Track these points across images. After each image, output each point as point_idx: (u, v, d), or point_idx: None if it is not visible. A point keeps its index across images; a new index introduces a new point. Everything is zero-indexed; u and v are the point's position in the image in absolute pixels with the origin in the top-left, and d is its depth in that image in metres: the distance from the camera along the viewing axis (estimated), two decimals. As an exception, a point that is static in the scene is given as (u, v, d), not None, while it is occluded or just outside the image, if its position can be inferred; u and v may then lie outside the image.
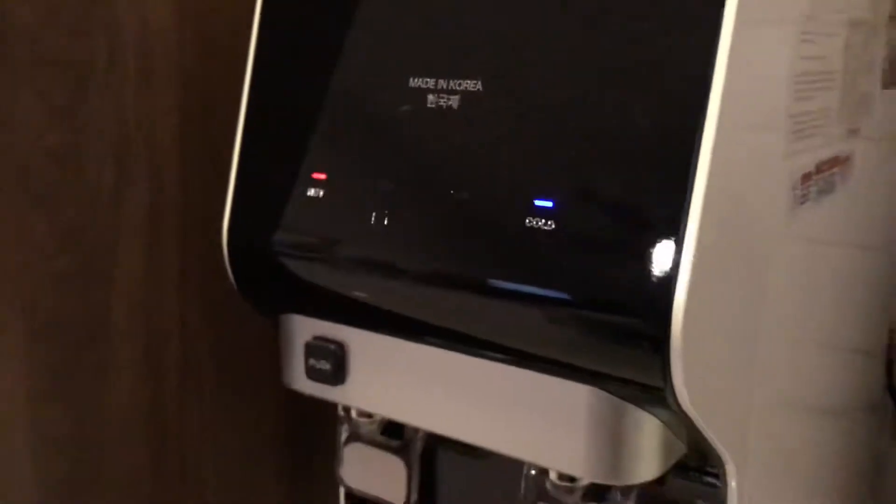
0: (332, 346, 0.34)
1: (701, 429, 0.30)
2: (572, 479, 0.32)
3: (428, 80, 0.31)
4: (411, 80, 0.31)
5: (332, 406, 0.42)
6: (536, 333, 0.29)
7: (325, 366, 0.34)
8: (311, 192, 0.33)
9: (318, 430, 0.49)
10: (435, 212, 0.30)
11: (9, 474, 0.37)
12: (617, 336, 0.27)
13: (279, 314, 0.37)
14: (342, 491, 0.43)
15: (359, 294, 0.33)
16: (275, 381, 0.40)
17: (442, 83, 0.31)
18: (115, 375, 0.40)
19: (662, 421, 0.30)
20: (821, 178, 0.36)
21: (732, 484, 0.33)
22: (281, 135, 0.35)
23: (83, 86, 0.37)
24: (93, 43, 0.37)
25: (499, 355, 0.31)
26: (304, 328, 0.36)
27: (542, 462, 0.31)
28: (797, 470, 0.42)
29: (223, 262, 0.37)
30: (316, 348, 0.35)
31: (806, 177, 0.35)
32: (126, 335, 0.40)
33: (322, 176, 0.33)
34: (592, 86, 0.28)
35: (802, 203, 0.35)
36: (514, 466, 0.35)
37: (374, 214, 0.32)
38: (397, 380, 0.34)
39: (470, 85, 0.30)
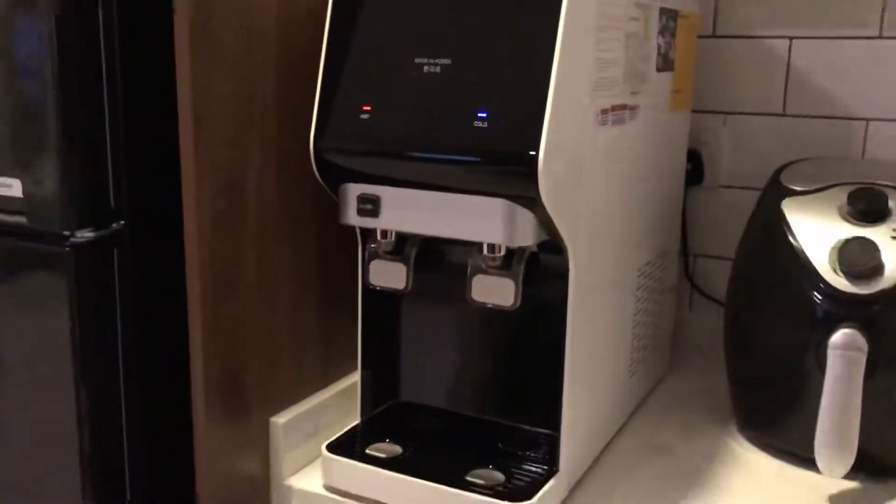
0: (374, 196, 0.68)
1: (556, 221, 0.64)
2: (493, 251, 0.67)
3: (424, 58, 0.65)
4: (416, 58, 0.65)
5: (354, 255, 0.76)
6: (476, 179, 0.64)
7: (369, 206, 0.68)
8: (363, 116, 0.66)
9: (343, 269, 0.82)
10: (423, 129, 0.64)
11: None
12: (516, 177, 0.62)
13: (340, 184, 0.70)
14: (360, 289, 0.76)
15: (385, 169, 0.66)
16: (324, 238, 0.73)
17: (431, 59, 0.64)
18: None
19: (537, 216, 0.64)
20: (613, 114, 0.72)
21: (570, 257, 0.68)
22: (344, 83, 0.68)
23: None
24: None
25: (454, 190, 0.65)
26: (354, 189, 0.69)
27: (479, 239, 0.65)
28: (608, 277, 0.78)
29: (306, 155, 0.70)
30: (364, 198, 0.68)
31: (604, 111, 0.70)
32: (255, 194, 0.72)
33: (368, 108, 0.66)
34: (499, 57, 0.62)
35: (603, 125, 0.70)
36: (462, 257, 0.70)
37: (397, 129, 0.65)
38: (404, 211, 0.67)
39: (444, 61, 0.64)
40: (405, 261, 0.72)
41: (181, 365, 0.71)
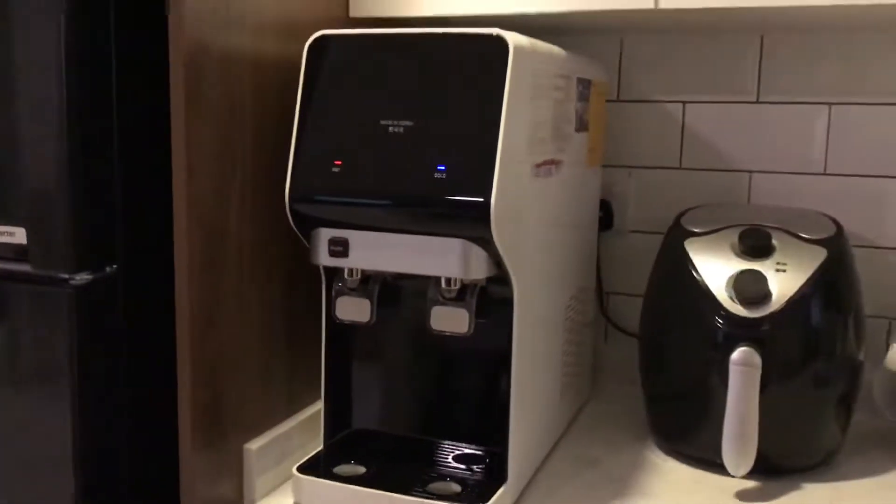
0: (343, 238, 0.77)
1: (504, 258, 0.75)
2: (450, 284, 0.77)
3: (389, 119, 0.75)
4: (381, 120, 0.76)
5: (318, 290, 0.85)
6: (436, 223, 0.74)
7: (340, 248, 0.77)
8: (335, 169, 0.76)
9: (309, 298, 0.91)
10: (389, 180, 0.74)
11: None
12: (472, 221, 0.73)
13: (312, 229, 0.79)
14: (324, 323, 0.85)
15: (354, 216, 0.76)
16: (290, 277, 0.83)
17: (395, 121, 0.75)
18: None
19: (488, 253, 0.75)
20: (544, 166, 0.84)
21: (514, 288, 0.79)
22: (317, 141, 0.78)
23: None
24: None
25: (416, 232, 0.75)
26: (325, 234, 0.78)
27: (439, 273, 0.76)
28: (540, 313, 0.89)
29: (279, 204, 0.79)
30: (335, 240, 0.77)
31: (537, 164, 0.82)
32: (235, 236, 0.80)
33: (339, 162, 0.76)
34: (454, 120, 0.74)
35: (536, 177, 0.83)
36: (418, 292, 0.80)
37: (364, 181, 0.75)
38: (371, 251, 0.77)
39: (407, 122, 0.75)
40: (369, 296, 0.82)
41: (168, 397, 0.78)
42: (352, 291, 0.82)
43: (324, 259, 0.79)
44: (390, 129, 0.76)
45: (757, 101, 1.15)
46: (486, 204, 0.72)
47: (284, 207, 0.79)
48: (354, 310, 0.82)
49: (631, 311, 1.23)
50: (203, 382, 0.77)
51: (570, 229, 0.98)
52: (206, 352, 0.77)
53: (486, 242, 0.74)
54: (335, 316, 0.83)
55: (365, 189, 0.76)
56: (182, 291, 0.74)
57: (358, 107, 0.77)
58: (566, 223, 0.96)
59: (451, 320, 0.79)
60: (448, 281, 0.78)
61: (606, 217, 1.21)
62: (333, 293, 0.83)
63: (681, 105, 1.18)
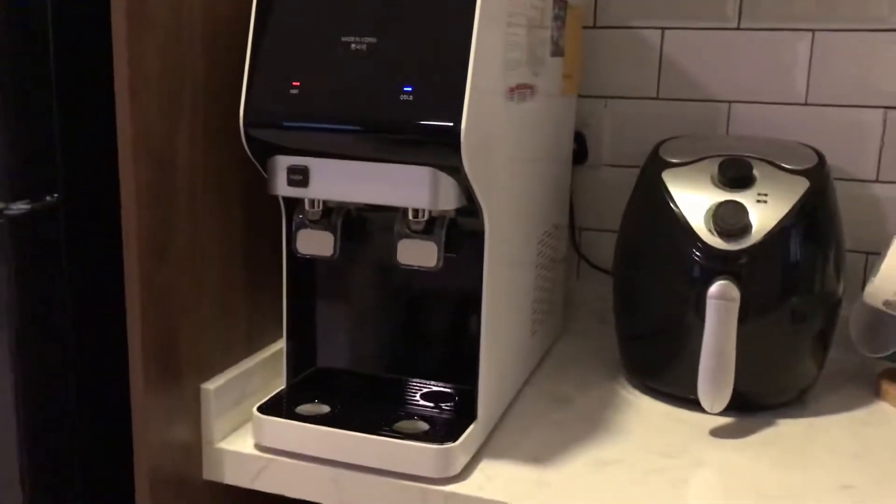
0: (303, 167, 0.72)
1: (474, 188, 0.71)
2: (417, 216, 0.72)
3: (351, 36, 0.70)
4: (343, 37, 0.70)
5: (277, 226, 0.80)
6: (402, 150, 0.69)
7: (299, 177, 0.72)
8: (293, 91, 0.71)
9: (272, 230, 0.86)
10: (351, 103, 0.69)
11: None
12: (441, 147, 0.68)
13: (268, 157, 0.74)
14: (285, 258, 0.81)
15: (314, 142, 0.71)
16: (250, 207, 0.78)
17: (357, 38, 0.70)
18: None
19: (458, 183, 0.71)
20: (518, 91, 0.79)
21: (485, 221, 0.75)
22: (273, 60, 0.72)
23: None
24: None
25: (381, 160, 0.71)
26: (283, 161, 0.73)
27: (406, 204, 0.71)
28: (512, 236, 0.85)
29: (233, 129, 0.73)
30: (293, 168, 0.72)
31: (511, 89, 0.77)
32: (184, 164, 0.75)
33: (297, 84, 0.71)
34: (422, 37, 0.68)
35: (510, 101, 0.78)
36: (383, 225, 0.75)
37: (326, 102, 0.70)
38: (333, 180, 0.72)
39: (370, 39, 0.69)
40: (332, 229, 0.77)
41: (118, 335, 0.73)
42: (313, 224, 0.77)
43: (282, 189, 0.74)
44: (352, 46, 0.70)
45: (738, 28, 1.10)
46: (457, 129, 0.67)
47: (239, 132, 0.73)
48: (316, 243, 0.78)
49: (604, 247, 1.19)
50: (154, 321, 0.72)
51: (544, 162, 0.94)
52: (157, 288, 0.72)
53: (456, 171, 0.70)
54: (296, 250, 0.78)
55: (325, 112, 0.70)
56: (129, 222, 0.69)
57: (317, 22, 0.71)
58: (540, 155, 0.92)
59: (418, 254, 0.75)
60: (416, 212, 0.73)
61: (580, 150, 1.17)
62: (294, 226, 0.78)
63: (659, 32, 1.13)
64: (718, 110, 1.12)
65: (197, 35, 0.75)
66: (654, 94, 1.15)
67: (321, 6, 0.71)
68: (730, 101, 1.12)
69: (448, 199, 0.71)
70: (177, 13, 0.71)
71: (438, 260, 0.74)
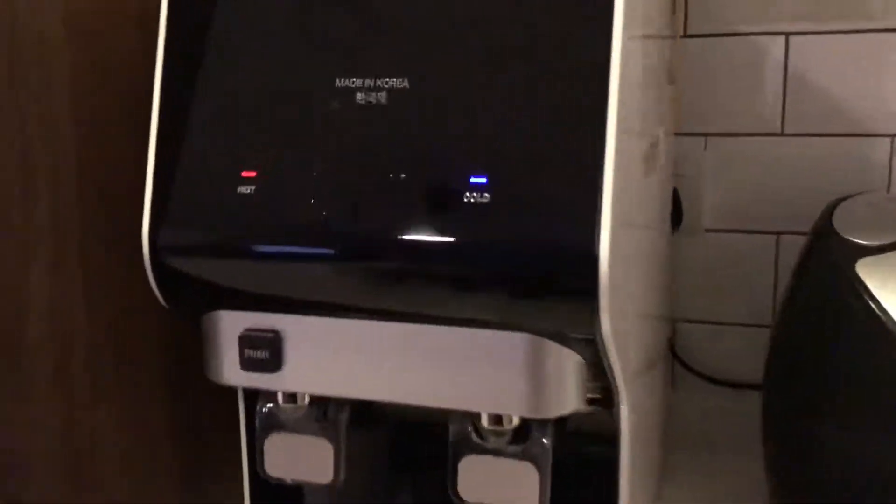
0: (269, 335, 0.36)
1: (614, 366, 0.35)
2: (500, 423, 0.37)
3: (355, 79, 0.34)
4: (338, 80, 0.35)
5: (232, 403, 0.44)
6: (469, 301, 0.34)
7: (263, 354, 0.36)
8: (243, 188, 0.35)
9: (215, 428, 0.50)
10: (375, 196, 0.34)
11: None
12: (558, 297, 0.33)
13: (204, 313, 0.38)
14: (246, 484, 0.45)
15: (299, 282, 0.35)
16: (169, 382, 0.41)
17: (369, 82, 0.34)
18: (29, 389, 0.39)
19: (584, 356, 0.35)
20: (651, 155, 0.44)
21: (624, 409, 0.39)
22: (201, 135, 0.37)
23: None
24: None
25: (421, 318, 0.35)
26: (232, 322, 0.37)
27: (477, 408, 0.36)
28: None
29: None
30: (252, 339, 0.37)
31: (645, 155, 0.42)
32: (37, 348, 0.39)
33: (252, 173, 0.35)
34: (505, 77, 0.33)
35: (646, 176, 0.43)
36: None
37: (312, 204, 0.34)
38: (337, 357, 0.36)
39: (397, 83, 0.34)
40: (331, 433, 0.41)
41: None
42: (297, 424, 0.42)
43: (234, 375, 0.38)
44: (359, 96, 0.35)
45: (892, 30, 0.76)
46: (591, 260, 0.32)
47: (142, 262, 0.38)
48: (302, 461, 0.42)
49: (709, 346, 0.84)
50: None
51: (660, 241, 0.59)
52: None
53: (582, 342, 0.34)
54: (262, 471, 0.42)
55: (306, 224, 0.35)
56: None
57: (288, 57, 0.36)
58: (655, 241, 0.57)
59: (500, 485, 0.39)
60: (497, 417, 0.37)
61: (674, 210, 0.82)
62: (258, 424, 0.42)
63: (782, 38, 0.79)
64: (877, 148, 0.78)
65: (64, 79, 0.39)
66: (778, 129, 0.80)
67: (291, 27, 0.36)
68: (892, 136, 0.78)
69: (564, 396, 0.35)
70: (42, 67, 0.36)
71: (542, 497, 0.38)
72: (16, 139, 0.38)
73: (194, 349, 0.42)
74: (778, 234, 0.84)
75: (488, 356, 0.34)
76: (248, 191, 0.35)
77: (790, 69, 0.82)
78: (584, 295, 0.32)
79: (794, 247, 0.70)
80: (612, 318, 0.32)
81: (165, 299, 0.38)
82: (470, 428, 0.38)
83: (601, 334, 0.33)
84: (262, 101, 0.36)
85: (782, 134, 0.83)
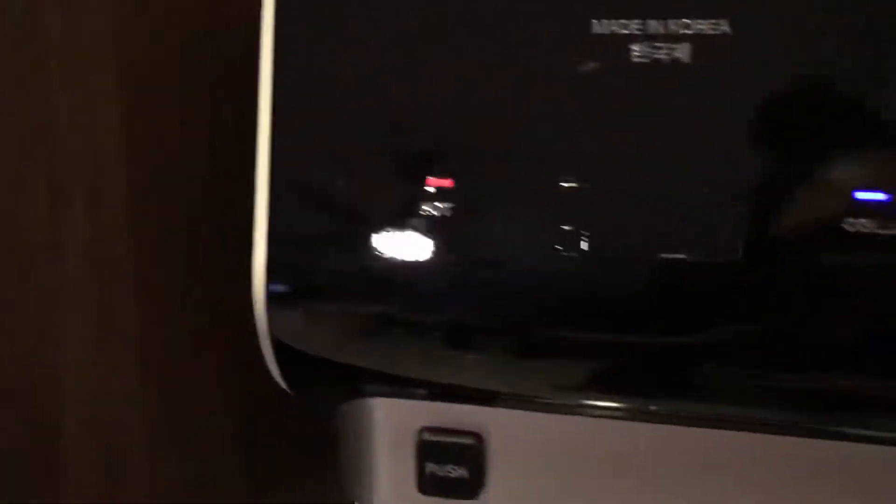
0: (469, 441, 0.22)
1: None
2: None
3: (628, 22, 0.20)
4: (596, 23, 0.21)
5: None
6: None
7: (459, 471, 0.22)
8: (427, 207, 0.21)
9: None
10: (672, 214, 0.20)
11: None
12: None
13: (353, 399, 0.24)
14: None
15: (529, 353, 0.21)
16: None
17: (657, 26, 0.20)
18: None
19: None
20: None
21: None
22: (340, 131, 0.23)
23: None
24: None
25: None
26: (403, 416, 0.23)
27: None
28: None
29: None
30: (440, 446, 0.22)
31: None
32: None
33: (446, 182, 0.21)
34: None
35: None
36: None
37: (556, 230, 0.20)
38: (591, 481, 0.22)
39: (707, 27, 0.20)
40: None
41: None
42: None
43: (394, 496, 0.24)
44: (635, 53, 0.21)
45: None
46: None
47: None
48: None
49: None
50: None
51: None
52: None
53: None
54: None
55: (537, 263, 0.21)
56: None
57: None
58: None
59: None
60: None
61: None
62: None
63: None
64: None
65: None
66: None
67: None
68: None
69: None
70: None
71: None
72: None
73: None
74: None
75: None
76: (442, 209, 0.21)
77: None
78: None
79: None
80: None
81: (286, 378, 0.24)
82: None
83: None
84: (467, 55, 0.21)
85: None
